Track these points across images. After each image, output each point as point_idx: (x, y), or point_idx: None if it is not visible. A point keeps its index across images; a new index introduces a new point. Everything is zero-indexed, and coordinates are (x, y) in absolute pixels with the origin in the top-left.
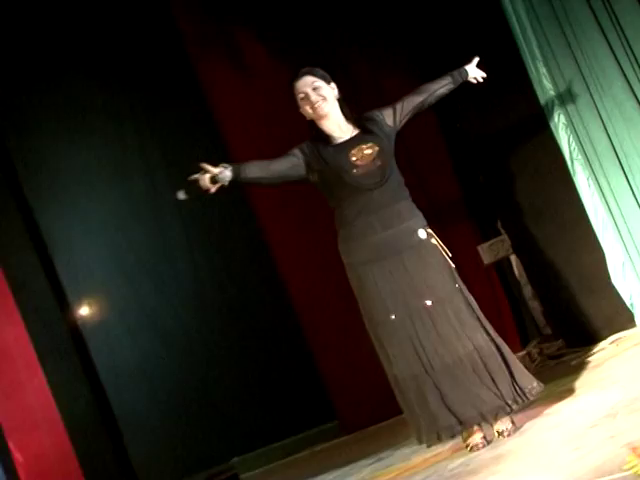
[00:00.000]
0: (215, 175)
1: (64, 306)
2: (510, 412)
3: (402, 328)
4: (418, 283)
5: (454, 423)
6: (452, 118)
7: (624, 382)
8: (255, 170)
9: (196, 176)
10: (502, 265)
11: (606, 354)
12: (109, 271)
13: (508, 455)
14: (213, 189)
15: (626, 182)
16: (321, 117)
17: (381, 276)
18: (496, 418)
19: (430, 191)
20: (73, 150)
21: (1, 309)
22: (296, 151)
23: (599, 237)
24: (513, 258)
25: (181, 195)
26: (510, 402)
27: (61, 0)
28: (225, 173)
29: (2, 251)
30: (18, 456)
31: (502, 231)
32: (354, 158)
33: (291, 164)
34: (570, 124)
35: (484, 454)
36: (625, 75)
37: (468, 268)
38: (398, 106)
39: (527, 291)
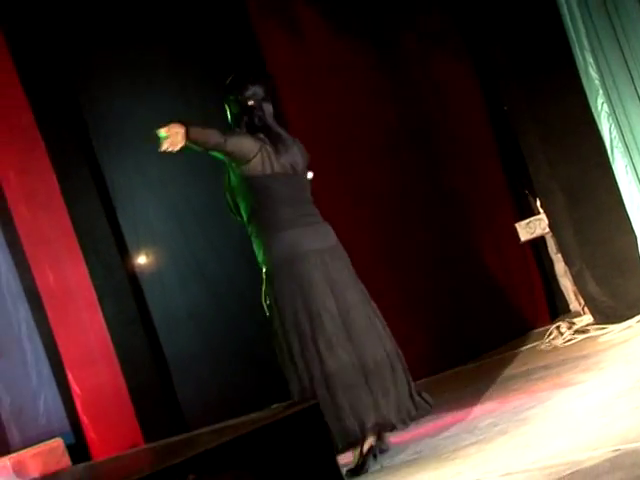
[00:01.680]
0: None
1: (123, 253)
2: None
3: None
4: None
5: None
6: (500, 101)
7: None
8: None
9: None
10: (537, 243)
11: (632, 332)
12: (166, 223)
13: (533, 419)
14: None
15: None
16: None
17: None
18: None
19: (474, 171)
20: (139, 106)
21: (67, 253)
22: None
23: (633, 222)
24: (548, 237)
25: None
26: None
27: None
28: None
29: (70, 199)
30: (76, 388)
31: (540, 211)
32: None
33: None
34: (612, 113)
35: (510, 416)
36: None
37: (506, 244)
38: None
39: (559, 268)
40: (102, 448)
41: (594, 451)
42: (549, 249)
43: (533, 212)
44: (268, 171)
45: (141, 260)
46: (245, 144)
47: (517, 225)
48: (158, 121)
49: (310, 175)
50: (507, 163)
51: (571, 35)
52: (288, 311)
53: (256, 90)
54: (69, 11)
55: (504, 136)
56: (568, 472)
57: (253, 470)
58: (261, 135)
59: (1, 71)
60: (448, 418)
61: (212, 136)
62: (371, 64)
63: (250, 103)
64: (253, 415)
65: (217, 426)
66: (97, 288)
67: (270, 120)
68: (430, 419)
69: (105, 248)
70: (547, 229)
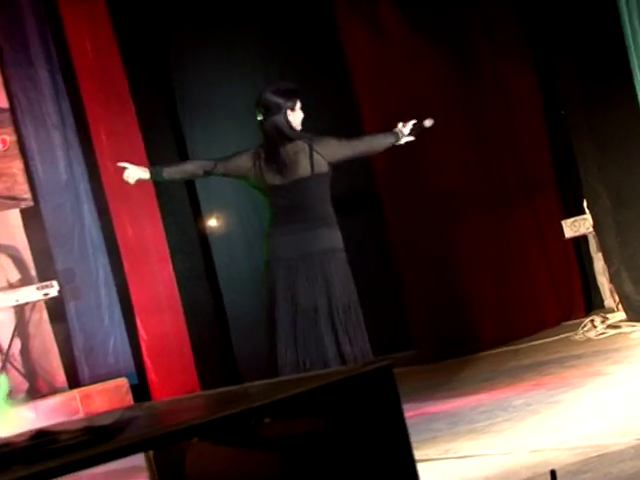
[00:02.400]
0: None
1: (196, 215)
2: None
3: None
4: None
5: None
6: (558, 106)
7: None
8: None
9: None
10: (580, 241)
11: None
12: (236, 191)
13: (565, 402)
14: None
15: None
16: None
17: None
18: None
19: (527, 168)
20: (225, 83)
21: (146, 210)
22: None
23: None
24: (591, 236)
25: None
26: None
27: None
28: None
29: (153, 162)
30: (142, 333)
31: (586, 211)
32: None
33: None
34: None
35: (543, 398)
36: None
37: (551, 239)
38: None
39: (598, 266)
40: (161, 391)
41: (620, 438)
42: (590, 247)
43: (580, 212)
44: (261, 185)
45: (211, 223)
46: (235, 164)
47: (563, 222)
48: (240, 98)
49: (428, 123)
50: (561, 166)
51: (630, 47)
52: (265, 304)
53: (269, 103)
54: None
55: (558, 138)
56: (595, 454)
57: (326, 419)
58: (260, 150)
59: (103, 40)
60: (484, 395)
61: (198, 167)
62: (444, 63)
63: (259, 118)
64: (329, 370)
65: (293, 376)
66: (170, 244)
67: (275, 132)
68: (466, 395)
69: (180, 209)
70: (591, 229)
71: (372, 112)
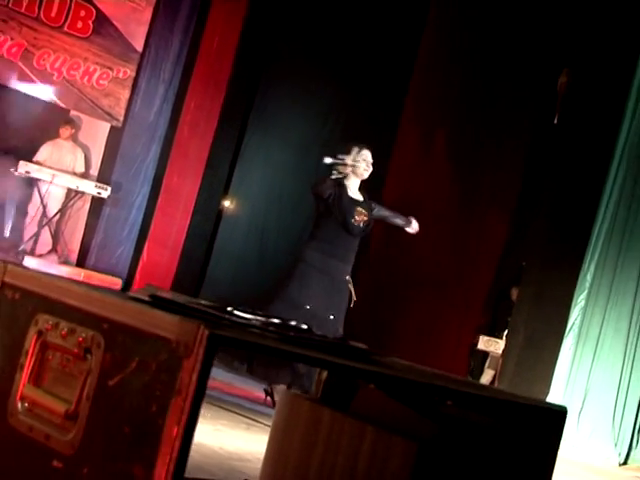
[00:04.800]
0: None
1: (226, 190)
2: None
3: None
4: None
5: None
6: (521, 257)
7: None
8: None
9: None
10: (484, 354)
11: None
12: (261, 188)
13: None
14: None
15: None
16: (361, 177)
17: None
18: None
19: (475, 287)
20: (288, 118)
21: (193, 171)
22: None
23: (551, 385)
24: (493, 355)
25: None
26: None
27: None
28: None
29: (217, 138)
30: (144, 255)
31: (503, 338)
32: (356, 212)
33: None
34: (584, 308)
35: None
36: None
37: (462, 341)
38: (375, 206)
39: (484, 379)
40: None
41: None
42: (487, 362)
43: (499, 335)
44: (335, 210)
45: (231, 200)
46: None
47: (481, 337)
48: (294, 131)
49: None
50: (504, 295)
51: (590, 247)
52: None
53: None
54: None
55: (511, 279)
56: None
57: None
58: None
59: (228, 42)
60: None
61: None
62: (456, 190)
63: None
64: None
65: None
66: (197, 203)
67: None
68: None
69: (217, 182)
70: (499, 352)
71: (394, 189)
